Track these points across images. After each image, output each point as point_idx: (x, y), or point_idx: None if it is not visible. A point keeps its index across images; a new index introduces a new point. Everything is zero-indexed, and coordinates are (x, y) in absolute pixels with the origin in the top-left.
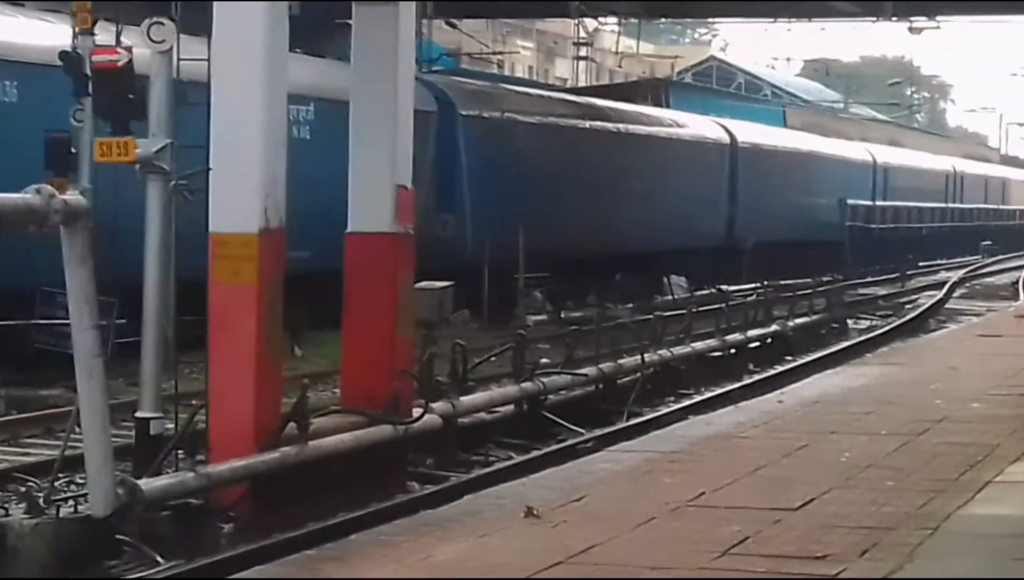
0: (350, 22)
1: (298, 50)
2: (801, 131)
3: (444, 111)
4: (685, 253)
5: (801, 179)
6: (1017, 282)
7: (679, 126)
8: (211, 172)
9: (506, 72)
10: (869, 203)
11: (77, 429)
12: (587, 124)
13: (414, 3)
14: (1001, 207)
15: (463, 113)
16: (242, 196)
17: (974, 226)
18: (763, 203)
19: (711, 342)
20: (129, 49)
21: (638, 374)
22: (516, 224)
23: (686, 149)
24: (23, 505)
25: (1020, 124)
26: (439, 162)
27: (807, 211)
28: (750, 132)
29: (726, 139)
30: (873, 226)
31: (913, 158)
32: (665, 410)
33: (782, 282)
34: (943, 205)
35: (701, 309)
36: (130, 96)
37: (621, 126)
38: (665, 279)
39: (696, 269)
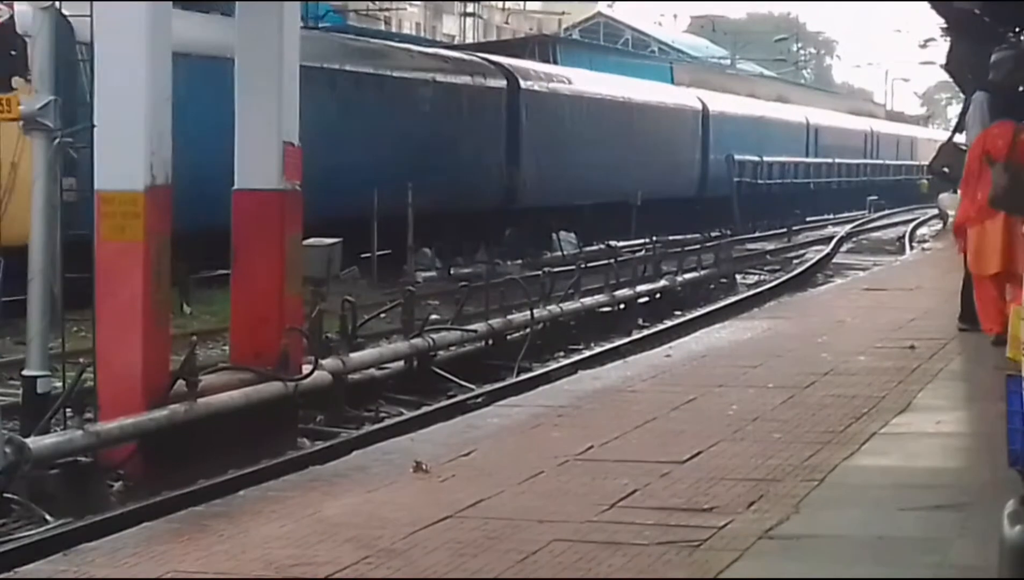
0: None
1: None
2: (690, 87)
3: (511, 86)
4: (574, 210)
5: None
6: (903, 237)
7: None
8: (95, 129)
9: (393, 29)
10: (756, 159)
11: None
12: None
13: None
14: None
15: (524, 88)
16: (127, 153)
17: (859, 181)
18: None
19: (600, 298)
20: (10, 5)
21: (528, 330)
22: (559, 174)
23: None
24: None
25: (905, 80)
26: (509, 127)
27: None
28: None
29: (502, 83)
30: (760, 182)
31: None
32: (554, 365)
33: (671, 238)
34: (828, 161)
35: (590, 265)
36: (12, 53)
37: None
38: (554, 235)
39: (585, 225)
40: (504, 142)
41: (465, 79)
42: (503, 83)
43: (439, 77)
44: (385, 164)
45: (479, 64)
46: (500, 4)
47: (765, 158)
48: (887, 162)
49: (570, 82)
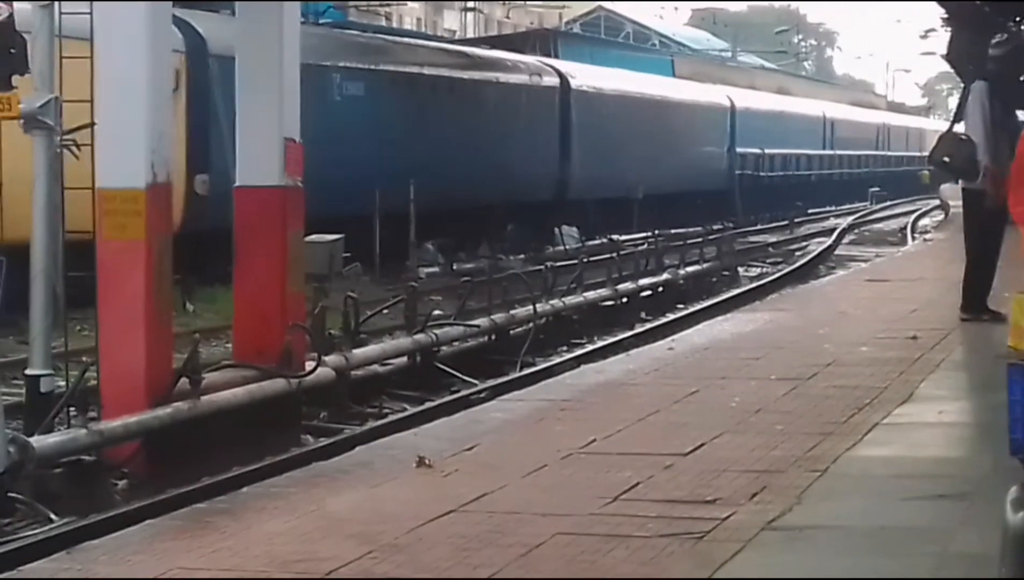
0: None
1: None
2: (691, 80)
3: (563, 86)
4: (577, 204)
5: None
6: (904, 228)
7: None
8: (96, 128)
9: (394, 24)
10: (758, 151)
11: None
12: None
13: None
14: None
15: (574, 88)
16: (128, 151)
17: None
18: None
19: (603, 291)
20: (10, 3)
21: (530, 324)
22: (605, 169)
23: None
24: None
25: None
26: (561, 124)
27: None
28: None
29: (555, 82)
30: (763, 174)
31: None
32: (557, 359)
33: (673, 231)
34: (832, 153)
35: (592, 259)
36: (11, 51)
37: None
38: (556, 229)
39: (587, 219)
40: (557, 138)
41: (523, 79)
42: (556, 82)
43: (501, 78)
44: (457, 159)
45: (535, 65)
46: None
47: (766, 150)
48: (899, 154)
49: (613, 81)
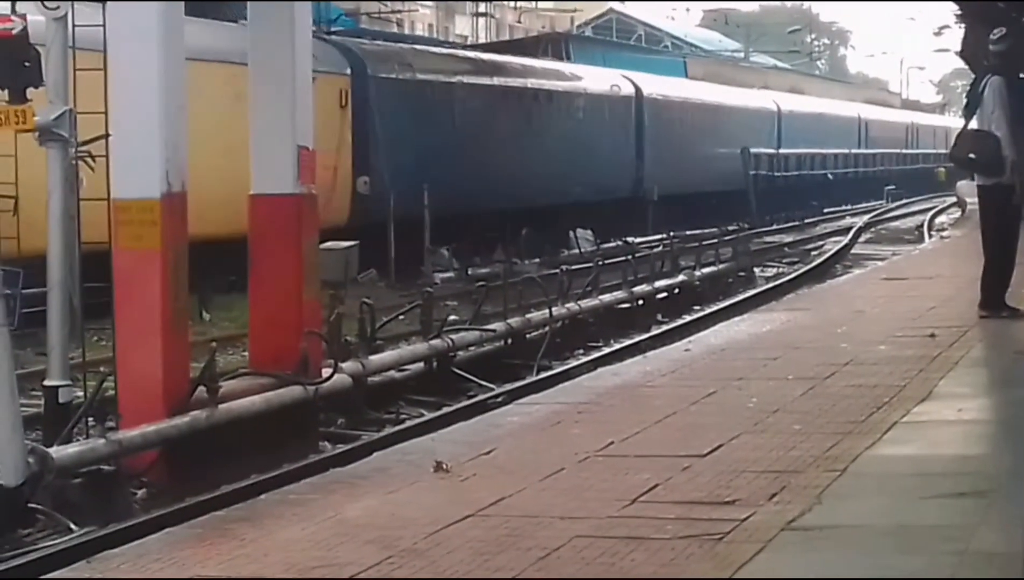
0: None
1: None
2: (704, 81)
3: (638, 94)
4: (591, 206)
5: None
6: (921, 226)
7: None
8: (111, 138)
9: (406, 31)
10: (772, 151)
11: None
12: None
13: None
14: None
15: (646, 95)
16: (142, 161)
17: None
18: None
19: (619, 294)
20: (23, 17)
21: (546, 328)
22: (672, 168)
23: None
24: None
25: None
26: (636, 130)
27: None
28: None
29: (631, 91)
30: (777, 174)
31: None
32: (574, 362)
33: (688, 232)
34: (847, 151)
35: (608, 261)
36: (26, 64)
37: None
38: (571, 233)
39: (602, 222)
40: (633, 141)
41: (606, 88)
42: (632, 91)
43: (589, 88)
44: (555, 161)
45: (614, 75)
46: (512, 3)
47: (781, 150)
48: (927, 151)
49: (677, 89)
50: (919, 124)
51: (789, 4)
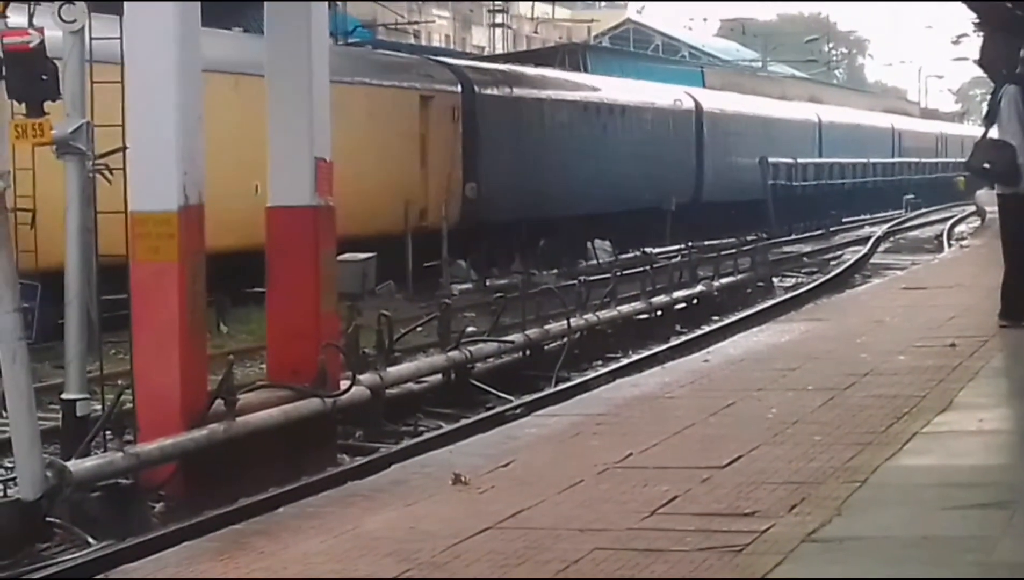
0: None
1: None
2: (721, 91)
3: (697, 107)
4: (609, 217)
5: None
6: (940, 235)
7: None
8: (128, 151)
9: (423, 42)
10: (790, 161)
11: (3, 413)
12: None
13: None
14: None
15: (705, 109)
16: (160, 174)
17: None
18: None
19: (637, 305)
20: (40, 30)
21: (565, 339)
22: (726, 175)
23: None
24: None
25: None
26: (696, 140)
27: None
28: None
29: (692, 105)
30: (795, 184)
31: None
32: (592, 374)
33: (707, 243)
34: (865, 160)
35: (626, 272)
36: (43, 77)
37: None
38: (589, 244)
39: (620, 233)
40: (694, 151)
41: (670, 103)
42: (692, 105)
43: (656, 103)
44: (628, 169)
45: (677, 91)
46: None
47: (799, 160)
48: (954, 160)
49: (733, 103)
50: (947, 134)
51: (807, 13)
